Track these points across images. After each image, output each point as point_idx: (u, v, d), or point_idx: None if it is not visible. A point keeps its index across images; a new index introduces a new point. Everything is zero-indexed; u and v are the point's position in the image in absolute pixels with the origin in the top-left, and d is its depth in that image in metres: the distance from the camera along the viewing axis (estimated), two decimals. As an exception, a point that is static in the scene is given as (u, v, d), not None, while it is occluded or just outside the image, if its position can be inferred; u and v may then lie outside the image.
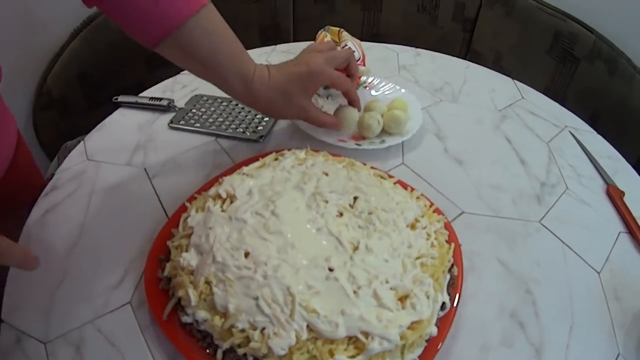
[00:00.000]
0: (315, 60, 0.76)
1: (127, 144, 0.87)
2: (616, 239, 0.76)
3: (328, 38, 1.00)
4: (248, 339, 0.54)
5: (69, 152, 0.88)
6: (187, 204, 0.70)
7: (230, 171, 0.74)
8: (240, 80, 0.73)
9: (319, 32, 1.03)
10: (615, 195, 0.83)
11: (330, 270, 0.58)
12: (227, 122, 0.90)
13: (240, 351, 0.54)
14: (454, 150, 0.88)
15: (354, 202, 0.66)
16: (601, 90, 1.24)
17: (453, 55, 1.11)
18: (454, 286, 0.63)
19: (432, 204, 0.71)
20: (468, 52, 1.38)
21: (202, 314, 0.57)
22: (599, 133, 0.98)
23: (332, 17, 1.40)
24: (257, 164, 0.74)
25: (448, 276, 0.62)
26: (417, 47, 1.15)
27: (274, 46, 1.12)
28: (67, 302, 0.64)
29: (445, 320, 0.59)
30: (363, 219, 0.64)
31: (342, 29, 1.01)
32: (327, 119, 0.81)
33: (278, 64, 0.78)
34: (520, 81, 1.08)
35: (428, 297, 0.57)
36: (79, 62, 1.26)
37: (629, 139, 1.12)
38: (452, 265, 0.64)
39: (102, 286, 0.65)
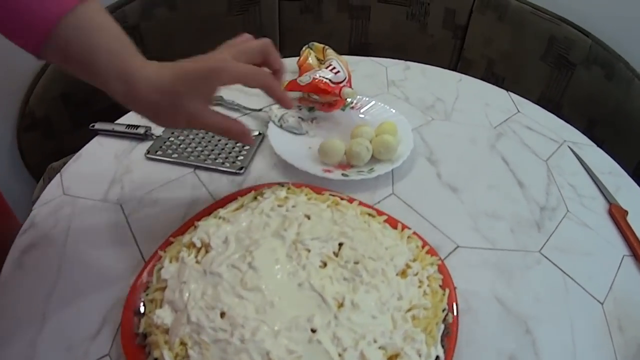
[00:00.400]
0: (218, 56, 0.63)
1: (104, 176, 0.81)
2: (620, 264, 0.70)
3: (312, 56, 0.93)
4: None
5: (56, 173, 0.83)
6: (161, 253, 0.63)
7: (206, 212, 0.68)
8: (119, 79, 0.60)
9: (303, 48, 0.96)
10: (618, 216, 0.77)
11: (313, 331, 0.52)
12: (206, 152, 0.83)
13: None
14: (447, 176, 0.81)
15: (339, 249, 0.60)
16: (598, 97, 1.18)
17: (444, 64, 1.06)
18: (448, 336, 0.56)
19: (424, 244, 0.65)
20: (459, 60, 1.32)
21: None
22: (595, 141, 0.93)
23: (320, 28, 1.33)
24: (234, 204, 0.67)
25: (442, 326, 0.56)
26: (407, 56, 1.09)
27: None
28: (47, 351, 0.59)
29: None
30: (349, 269, 0.57)
31: (327, 47, 0.95)
32: (230, 125, 0.62)
33: (175, 62, 0.64)
34: (514, 89, 1.02)
35: (420, 355, 0.51)
36: (61, 81, 1.20)
37: (627, 146, 1.06)
38: (447, 312, 0.58)
39: (81, 336, 0.60)
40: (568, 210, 0.78)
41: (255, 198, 0.69)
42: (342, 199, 0.69)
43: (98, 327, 0.61)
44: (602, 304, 0.65)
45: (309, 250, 0.59)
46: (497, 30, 1.25)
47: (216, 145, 0.85)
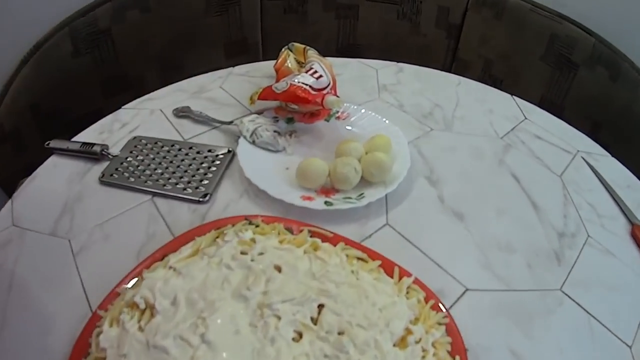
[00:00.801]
0: None
1: (54, 204, 0.62)
2: (647, 298, 0.54)
3: (291, 58, 0.74)
4: None
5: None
6: (101, 313, 0.45)
7: (157, 257, 0.50)
8: None
9: (282, 49, 0.77)
10: (642, 238, 0.60)
11: None
12: (167, 175, 0.65)
13: None
14: (451, 199, 0.63)
15: (319, 313, 0.41)
16: (602, 99, 0.99)
17: (437, 65, 0.87)
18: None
19: (428, 297, 0.47)
20: (454, 61, 1.13)
21: None
22: (600, 144, 0.76)
23: (305, 29, 1.14)
24: (188, 249, 0.49)
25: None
26: (398, 58, 0.90)
27: (231, 68, 0.86)
28: None
29: None
30: (331, 342, 0.39)
31: (308, 47, 0.76)
32: None
33: None
34: (513, 92, 0.84)
35: None
36: (30, 91, 1.00)
37: (633, 151, 0.89)
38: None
39: None
40: (589, 235, 0.60)
41: (217, 237, 0.51)
42: (323, 240, 0.51)
43: None
44: (630, 347, 0.50)
45: (279, 318, 0.40)
46: (494, 29, 1.06)
47: (178, 165, 0.66)
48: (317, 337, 0.39)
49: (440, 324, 0.44)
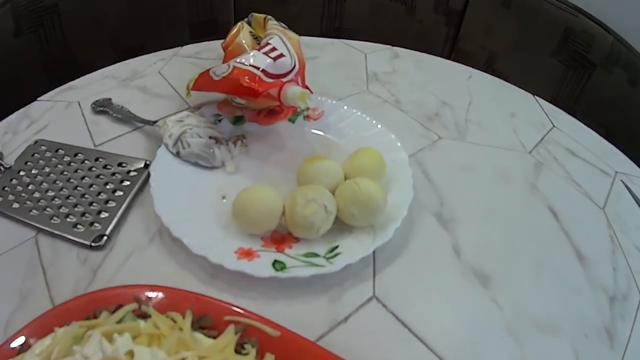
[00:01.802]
0: None
1: None
2: None
3: (245, 32, 0.42)
4: None
5: None
6: None
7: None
8: None
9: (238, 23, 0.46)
10: None
11: None
12: (57, 201, 0.34)
13: None
14: (471, 252, 0.34)
15: None
16: (619, 104, 0.69)
17: (436, 54, 0.55)
18: None
19: None
20: (453, 52, 0.82)
21: None
22: None
23: (284, 10, 0.81)
24: (48, 341, 0.19)
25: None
26: (390, 45, 0.59)
27: (178, 48, 0.55)
28: None
29: None
30: None
31: (269, 17, 0.45)
32: None
33: None
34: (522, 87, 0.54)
35: None
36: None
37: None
38: None
39: None
40: None
41: (72, 346, 0.21)
42: (264, 342, 0.22)
43: None
44: None
45: None
46: (501, 18, 0.75)
47: (76, 187, 0.35)
48: None
49: None
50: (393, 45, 0.58)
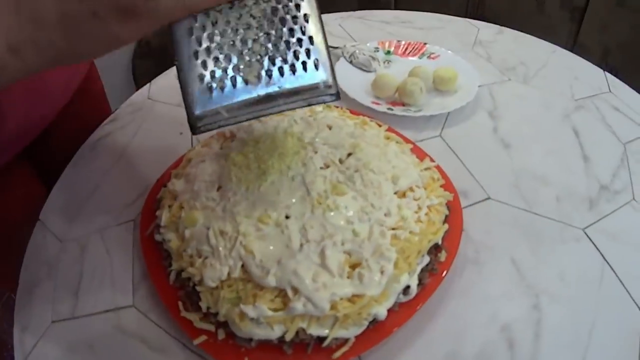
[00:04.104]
0: None
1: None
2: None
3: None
4: (192, 265, 0.45)
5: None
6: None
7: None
8: None
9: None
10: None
11: (287, 217, 0.46)
12: None
13: (183, 274, 0.46)
14: (504, 132, 0.68)
15: (346, 157, 0.52)
16: None
17: (559, 46, 0.87)
18: (433, 273, 0.47)
19: (446, 184, 0.55)
20: (575, 45, 1.11)
21: (168, 235, 0.50)
22: None
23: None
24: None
25: (427, 259, 0.46)
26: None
27: (351, 12, 0.98)
28: (91, 211, 0.62)
29: (406, 308, 0.44)
30: (346, 175, 0.50)
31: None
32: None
33: None
34: (631, 85, 0.80)
35: (382, 273, 0.42)
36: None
37: None
38: (440, 249, 0.48)
39: (120, 203, 0.62)
40: (634, 199, 0.60)
41: None
42: (378, 124, 0.61)
43: (135, 198, 0.62)
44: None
45: (316, 152, 0.52)
46: (616, 17, 1.03)
47: None
48: (338, 170, 0.50)
49: (442, 198, 0.52)
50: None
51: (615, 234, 0.55)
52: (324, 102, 0.38)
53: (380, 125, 0.60)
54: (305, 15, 0.36)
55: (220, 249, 0.44)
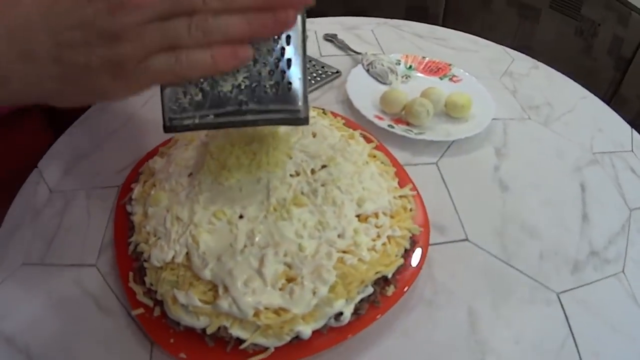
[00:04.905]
0: None
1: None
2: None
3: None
4: (146, 242, 0.46)
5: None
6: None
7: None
8: None
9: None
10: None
11: (241, 217, 0.45)
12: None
13: (138, 248, 0.47)
14: (505, 172, 0.64)
15: (319, 169, 0.50)
16: None
17: (599, 93, 0.81)
18: (374, 306, 0.45)
19: (423, 217, 0.52)
20: (615, 95, 1.03)
21: (136, 208, 0.51)
22: None
23: (485, 16, 1.15)
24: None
25: (370, 290, 0.44)
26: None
27: (387, 19, 0.94)
28: (85, 169, 0.63)
29: (335, 334, 0.43)
30: (312, 187, 0.48)
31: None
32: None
33: None
34: None
35: (314, 293, 0.40)
36: None
37: None
38: (389, 282, 0.46)
39: (112, 167, 0.62)
40: (623, 272, 0.54)
41: None
42: (368, 140, 0.58)
43: (126, 165, 0.62)
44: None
45: (291, 158, 0.50)
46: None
47: None
48: (306, 180, 0.48)
49: (407, 230, 0.49)
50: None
51: (590, 306, 0.51)
52: (290, 124, 0.39)
53: (370, 142, 0.57)
54: (288, 37, 0.36)
55: (172, 233, 0.45)
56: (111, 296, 0.49)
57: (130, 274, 0.47)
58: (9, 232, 0.56)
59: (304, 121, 0.37)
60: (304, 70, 0.37)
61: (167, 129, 0.37)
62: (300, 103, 0.37)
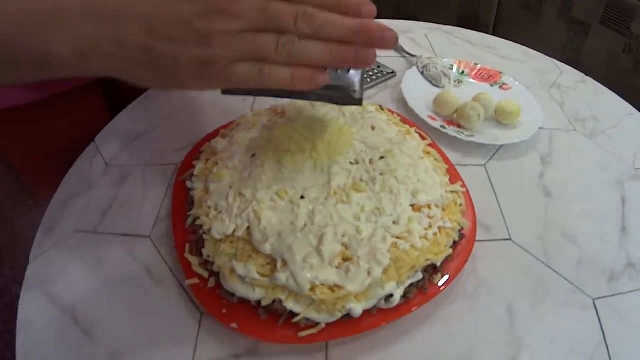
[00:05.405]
0: None
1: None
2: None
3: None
4: (207, 215, 0.48)
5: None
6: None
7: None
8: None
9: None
10: None
11: (302, 197, 0.48)
12: None
13: (197, 221, 0.49)
14: (550, 180, 0.65)
15: (378, 160, 0.52)
16: None
17: None
18: (422, 292, 0.47)
19: (471, 211, 0.54)
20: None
21: (197, 184, 0.53)
22: None
23: (534, 27, 1.15)
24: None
25: (420, 276, 0.46)
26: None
27: (440, 25, 0.95)
28: (142, 147, 0.66)
29: (384, 315, 0.45)
30: (370, 175, 0.50)
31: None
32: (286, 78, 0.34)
33: None
34: None
35: (369, 273, 0.43)
36: None
37: None
38: (437, 271, 0.48)
39: (170, 146, 0.65)
40: None
41: None
42: (422, 138, 0.60)
43: (184, 145, 0.65)
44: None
45: (351, 147, 0.53)
46: None
47: None
48: (364, 169, 0.51)
49: (457, 223, 0.51)
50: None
51: (625, 315, 0.51)
52: (347, 104, 0.40)
53: (424, 139, 0.59)
54: None
55: (234, 208, 0.47)
56: (164, 267, 0.51)
57: (187, 245, 0.49)
58: (62, 201, 0.58)
59: (359, 102, 0.39)
60: None
61: (224, 91, 0.39)
62: (357, 86, 0.39)
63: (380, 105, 0.65)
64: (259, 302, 0.43)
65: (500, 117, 0.70)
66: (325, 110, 0.57)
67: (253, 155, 0.52)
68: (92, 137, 0.67)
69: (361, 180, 0.49)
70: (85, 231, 0.55)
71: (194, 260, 0.47)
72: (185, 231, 0.50)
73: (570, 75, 0.86)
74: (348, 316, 0.43)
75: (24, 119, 0.66)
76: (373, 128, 0.56)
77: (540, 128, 0.70)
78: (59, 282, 0.50)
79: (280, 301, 0.42)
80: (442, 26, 0.95)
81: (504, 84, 0.78)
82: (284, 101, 0.60)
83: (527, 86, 0.78)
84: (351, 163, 0.51)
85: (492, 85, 0.78)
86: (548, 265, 0.55)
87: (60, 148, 0.67)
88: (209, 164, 0.54)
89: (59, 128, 0.69)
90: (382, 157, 0.52)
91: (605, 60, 1.08)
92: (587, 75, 0.86)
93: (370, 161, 0.52)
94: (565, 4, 1.09)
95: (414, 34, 0.92)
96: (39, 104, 0.65)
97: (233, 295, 0.44)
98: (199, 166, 0.55)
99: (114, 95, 0.76)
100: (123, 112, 0.71)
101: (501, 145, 0.67)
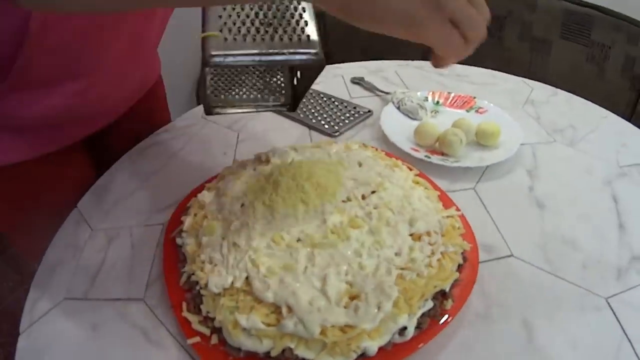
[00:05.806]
0: None
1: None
2: None
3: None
4: (202, 270, 0.48)
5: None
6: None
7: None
8: None
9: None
10: None
11: (299, 240, 0.47)
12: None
13: (192, 277, 0.48)
14: (540, 192, 0.65)
15: (370, 194, 0.53)
16: None
17: (618, 114, 0.82)
18: (434, 319, 0.46)
19: (468, 235, 0.54)
20: (633, 114, 1.05)
21: (188, 239, 0.52)
22: None
23: (499, 54, 1.19)
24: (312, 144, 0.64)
25: (431, 304, 0.45)
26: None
27: (410, 61, 0.99)
28: (126, 209, 0.65)
29: (400, 349, 0.43)
30: (365, 211, 0.50)
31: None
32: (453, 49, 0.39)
33: None
34: None
35: (379, 308, 0.42)
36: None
37: None
38: (447, 296, 0.47)
39: (154, 207, 0.65)
40: None
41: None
42: (410, 169, 0.61)
43: (168, 204, 0.64)
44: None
45: (341, 185, 0.53)
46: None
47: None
48: (358, 205, 0.51)
49: (459, 246, 0.51)
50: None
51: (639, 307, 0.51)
52: (307, 62, 0.43)
53: (411, 169, 0.60)
54: (303, 8, 0.44)
55: (230, 259, 0.46)
56: (161, 328, 0.49)
57: (184, 304, 0.47)
58: (49, 268, 0.57)
59: (321, 61, 0.43)
60: (318, 29, 0.44)
61: (207, 112, 0.50)
62: (317, 49, 0.43)
63: (363, 143, 0.66)
64: (267, 353, 0.42)
65: (481, 140, 0.71)
66: (309, 153, 0.58)
67: (242, 205, 0.52)
68: (78, 198, 0.66)
69: (356, 216, 0.49)
70: (77, 298, 0.53)
71: (193, 319, 0.46)
72: (180, 289, 0.49)
73: (541, 91, 0.88)
74: (363, 355, 0.42)
75: (11, 178, 0.65)
76: (360, 164, 0.57)
77: (522, 144, 0.71)
78: (53, 352, 0.48)
79: (291, 349, 0.41)
80: (411, 62, 0.98)
81: (480, 107, 0.80)
82: (268, 148, 0.61)
83: (502, 107, 0.80)
84: (343, 201, 0.51)
85: (468, 111, 0.80)
86: (554, 274, 0.54)
87: (46, 209, 0.66)
88: (198, 218, 0.54)
89: (44, 187, 0.68)
90: (373, 192, 0.53)
91: (570, 72, 1.12)
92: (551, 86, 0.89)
93: (363, 197, 0.52)
94: (524, 25, 1.14)
95: (385, 72, 0.95)
96: (27, 164, 0.63)
97: (239, 349, 0.42)
98: (188, 221, 0.54)
99: (98, 158, 0.76)
100: (103, 177, 0.70)
101: (487, 166, 0.68)
